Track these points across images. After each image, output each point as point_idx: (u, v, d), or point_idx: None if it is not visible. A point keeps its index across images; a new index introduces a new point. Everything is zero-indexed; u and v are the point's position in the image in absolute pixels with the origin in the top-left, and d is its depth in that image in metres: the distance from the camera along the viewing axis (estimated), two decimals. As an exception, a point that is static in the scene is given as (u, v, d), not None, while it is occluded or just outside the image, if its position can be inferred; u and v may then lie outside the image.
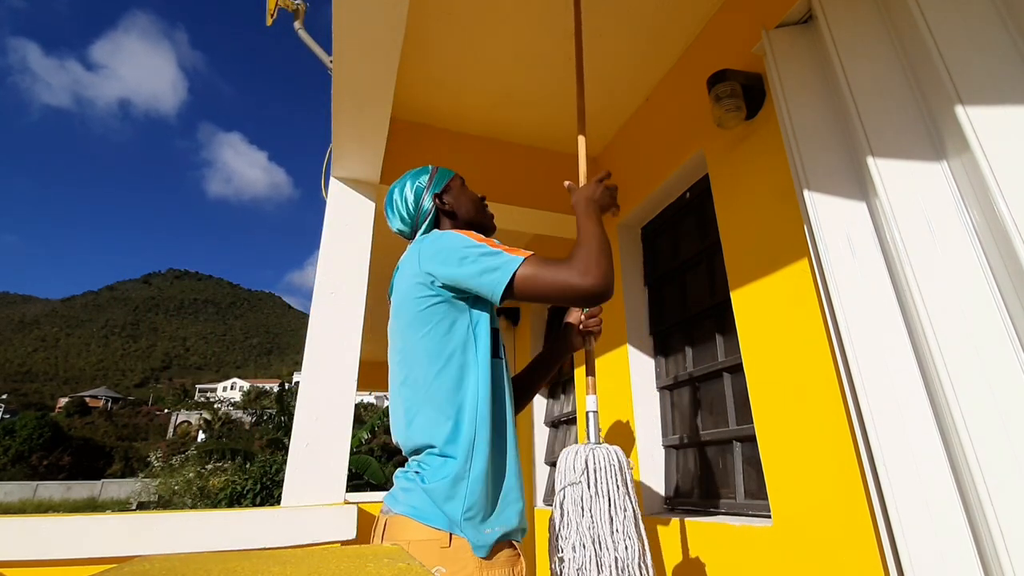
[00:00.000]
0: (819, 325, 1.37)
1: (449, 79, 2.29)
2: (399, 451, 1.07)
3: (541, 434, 3.70)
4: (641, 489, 2.15)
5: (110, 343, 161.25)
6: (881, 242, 1.20)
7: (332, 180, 2.16)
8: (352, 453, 2.14)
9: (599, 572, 0.96)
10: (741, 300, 1.69)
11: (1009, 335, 0.98)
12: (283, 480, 1.75)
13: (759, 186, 1.65)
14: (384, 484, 10.85)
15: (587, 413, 1.17)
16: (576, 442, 1.13)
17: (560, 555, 1.01)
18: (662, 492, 2.16)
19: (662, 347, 2.35)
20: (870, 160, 1.19)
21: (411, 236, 1.22)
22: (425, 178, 1.22)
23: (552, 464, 3.47)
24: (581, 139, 1.37)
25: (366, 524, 1.65)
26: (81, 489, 35.67)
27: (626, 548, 0.98)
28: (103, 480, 38.80)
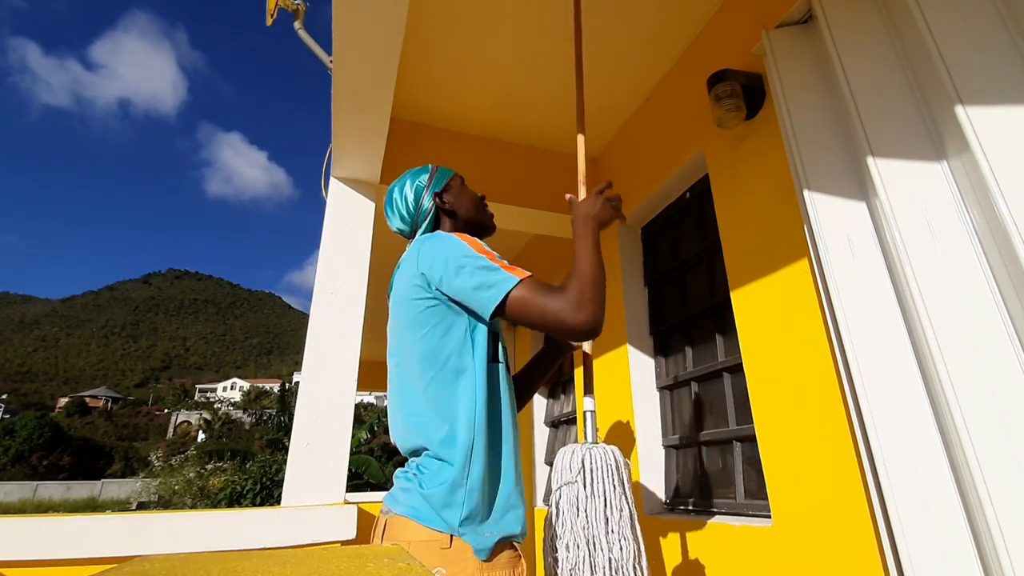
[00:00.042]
0: (819, 325, 1.37)
1: (449, 79, 2.29)
2: (399, 451, 1.07)
3: (541, 434, 3.70)
4: (641, 489, 2.15)
5: (110, 343, 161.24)
6: (881, 242, 1.20)
7: (332, 180, 2.16)
8: (352, 453, 2.14)
9: (592, 573, 0.95)
10: (741, 300, 1.69)
11: (1009, 335, 0.98)
12: (283, 480, 1.75)
13: (759, 186, 1.65)
14: (384, 484, 10.85)
15: (584, 413, 1.17)
16: (576, 442, 1.13)
17: (555, 555, 1.00)
18: (662, 492, 2.16)
19: (662, 347, 2.35)
20: (870, 160, 1.19)
21: (411, 235, 1.22)
22: (425, 177, 1.22)
23: (552, 464, 3.47)
24: (580, 138, 1.37)
25: (366, 524, 1.65)
26: (81, 489, 35.67)
27: (621, 549, 0.97)
28: (103, 480, 38.81)
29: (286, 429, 12.91)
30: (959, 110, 1.04)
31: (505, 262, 1.00)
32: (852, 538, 1.22)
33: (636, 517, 1.03)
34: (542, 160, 2.73)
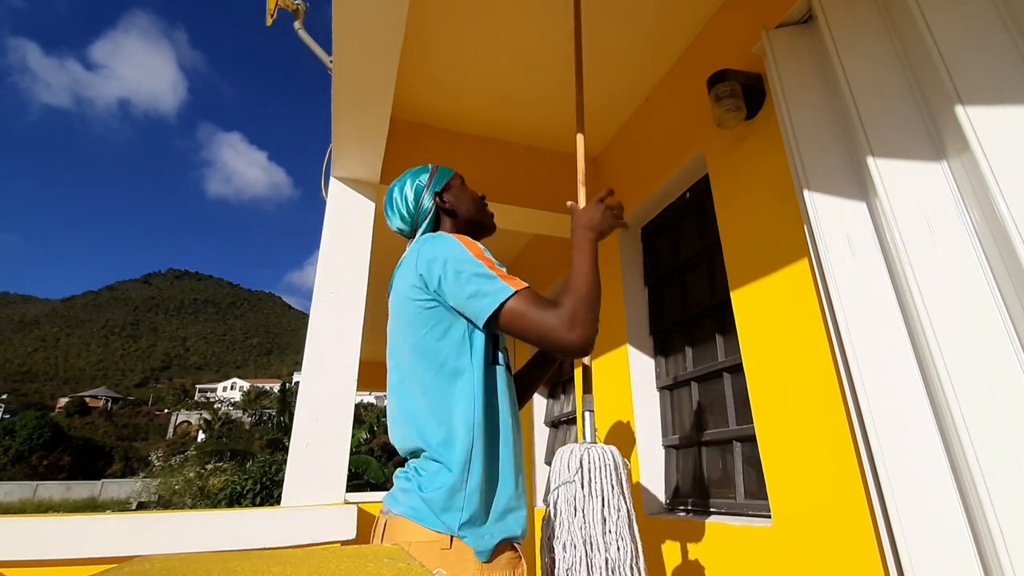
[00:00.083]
0: (819, 325, 1.37)
1: (449, 79, 2.29)
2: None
3: (541, 434, 3.70)
4: (641, 489, 2.15)
5: (110, 343, 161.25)
6: (881, 242, 1.20)
7: (332, 180, 2.16)
8: (352, 453, 2.14)
9: (589, 573, 0.94)
10: (741, 300, 1.69)
11: (1009, 335, 0.98)
12: (283, 480, 1.75)
13: (759, 186, 1.65)
14: (384, 484, 10.85)
15: (583, 413, 1.16)
16: (576, 442, 1.12)
17: (551, 555, 1.00)
18: (662, 492, 2.16)
19: (662, 347, 2.35)
20: (870, 160, 1.19)
21: (411, 235, 1.21)
22: (425, 177, 1.21)
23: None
24: (580, 137, 1.37)
25: (366, 524, 1.65)
26: (81, 489, 35.67)
27: (618, 549, 0.96)
28: (103, 480, 38.81)
29: (286, 429, 12.92)
30: (959, 110, 1.04)
31: (504, 270, 0.99)
32: (852, 538, 1.22)
33: (634, 517, 1.03)
34: (542, 160, 2.73)
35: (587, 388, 1.17)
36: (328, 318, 1.96)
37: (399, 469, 1.04)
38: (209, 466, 14.59)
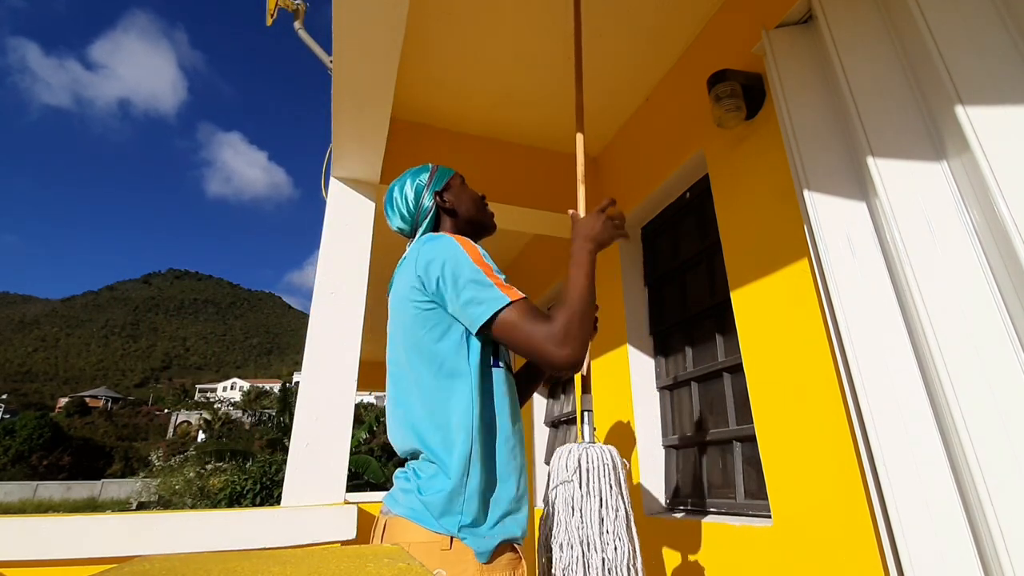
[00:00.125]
0: (819, 325, 1.37)
1: (449, 79, 2.29)
2: None
3: (541, 434, 3.70)
4: (641, 489, 2.15)
5: (110, 343, 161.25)
6: (881, 242, 1.20)
7: (332, 180, 2.16)
8: (351, 453, 2.14)
9: (586, 573, 0.93)
10: (741, 300, 1.69)
11: (1009, 335, 0.98)
12: (283, 480, 1.75)
13: (759, 186, 1.65)
14: (384, 484, 10.85)
15: (582, 412, 1.16)
16: (575, 442, 1.12)
17: (548, 555, 1.00)
18: (662, 492, 2.16)
19: (662, 347, 2.35)
20: (870, 160, 1.19)
21: (411, 234, 1.21)
22: (425, 176, 1.21)
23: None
24: (579, 136, 1.37)
25: (366, 524, 1.65)
26: (81, 489, 35.67)
27: (615, 549, 0.96)
28: (103, 480, 38.80)
29: (286, 429, 12.92)
30: (959, 110, 1.04)
31: (501, 278, 0.98)
32: (852, 538, 1.22)
33: (632, 517, 1.02)
34: (542, 160, 2.73)
35: (586, 388, 1.17)
36: (328, 318, 1.96)
37: (399, 469, 1.03)
38: (209, 466, 14.60)
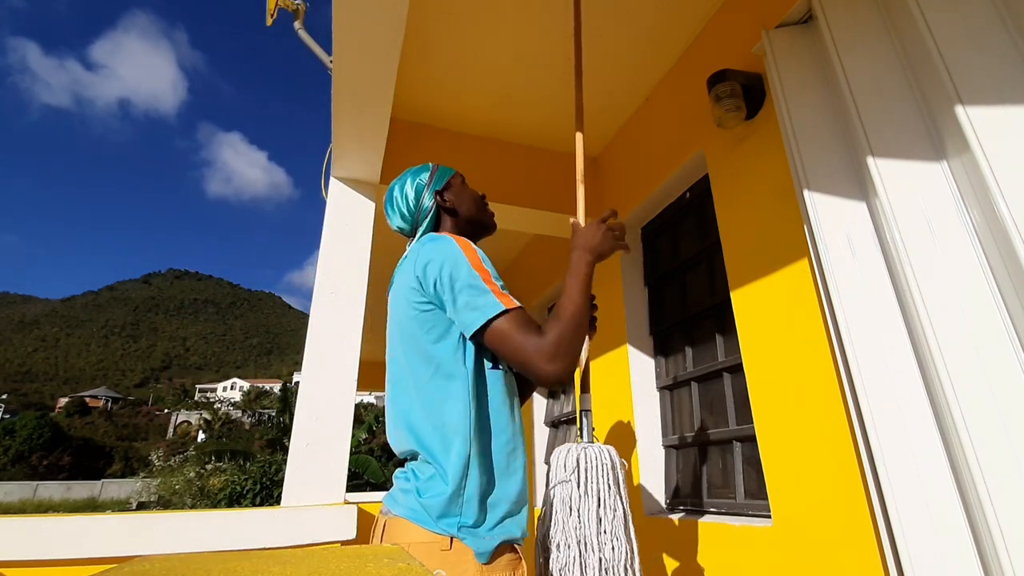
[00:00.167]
0: (819, 325, 1.37)
1: (449, 79, 2.29)
2: None
3: (541, 434, 3.70)
4: (641, 489, 2.15)
5: (110, 343, 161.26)
6: (881, 242, 1.20)
7: (332, 180, 2.16)
8: (351, 453, 2.14)
9: (582, 573, 0.93)
10: (741, 300, 1.69)
11: (1009, 335, 0.98)
12: (283, 480, 1.75)
13: (759, 186, 1.65)
14: (384, 484, 10.85)
15: (581, 412, 1.16)
16: (574, 442, 1.12)
17: (545, 555, 0.99)
18: (662, 492, 2.16)
19: (662, 347, 2.35)
20: (870, 160, 1.19)
21: (411, 234, 1.21)
22: (426, 175, 1.21)
23: (552, 464, 3.47)
24: (579, 136, 1.37)
25: (366, 524, 1.65)
26: (81, 489, 35.67)
27: (613, 549, 0.95)
28: (103, 480, 38.80)
29: (286, 429, 12.92)
30: (959, 110, 1.04)
31: (499, 285, 0.97)
32: (852, 538, 1.22)
33: (630, 518, 1.01)
34: (542, 160, 2.73)
35: (584, 387, 1.17)
36: (328, 318, 1.96)
37: (399, 469, 1.03)
38: (209, 466, 14.60)
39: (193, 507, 13.25)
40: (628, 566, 0.95)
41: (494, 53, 2.17)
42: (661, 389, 2.30)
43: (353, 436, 1.93)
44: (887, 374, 1.11)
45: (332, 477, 1.77)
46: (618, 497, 1.00)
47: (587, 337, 1.24)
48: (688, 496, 2.03)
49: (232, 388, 74.13)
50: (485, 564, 0.89)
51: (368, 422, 13.14)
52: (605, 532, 0.96)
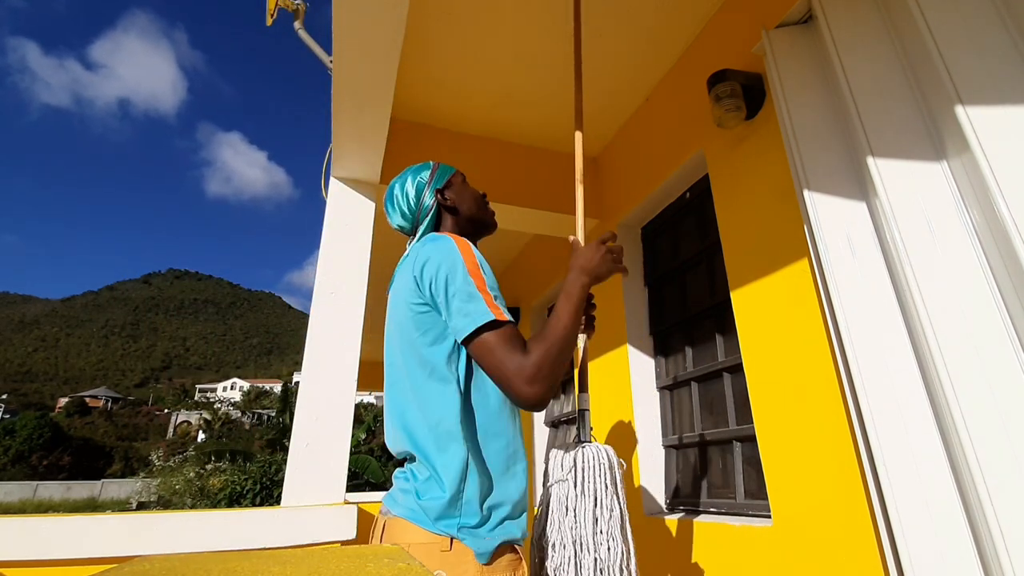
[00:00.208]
0: (819, 325, 1.37)
1: (449, 79, 2.29)
2: None
3: (541, 434, 3.70)
4: (641, 489, 2.15)
5: (110, 343, 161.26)
6: (881, 242, 1.20)
7: (332, 180, 2.16)
8: (351, 453, 2.14)
9: (577, 573, 0.92)
10: (741, 300, 1.69)
11: (1009, 335, 0.98)
12: (283, 480, 1.75)
13: (759, 186, 1.65)
14: (384, 484, 10.85)
15: (579, 411, 1.15)
16: (573, 441, 1.11)
17: (540, 555, 0.99)
18: (662, 492, 2.16)
19: (662, 347, 2.35)
20: (870, 160, 1.19)
21: (412, 232, 1.20)
22: (426, 173, 1.20)
23: (552, 464, 3.47)
24: (578, 135, 1.37)
25: (366, 524, 1.65)
26: (81, 489, 35.67)
27: (609, 550, 0.94)
28: (103, 480, 38.80)
29: (285, 429, 12.92)
30: (959, 110, 1.04)
31: (492, 293, 0.96)
32: (852, 538, 1.22)
33: (627, 518, 1.00)
34: (542, 160, 2.73)
35: (583, 387, 1.17)
36: (328, 318, 1.96)
37: (398, 469, 1.03)
38: (209, 466, 14.60)
39: (193, 507, 13.25)
40: (624, 567, 0.94)
41: (494, 53, 2.17)
42: (661, 389, 2.30)
43: (353, 436, 1.93)
44: (887, 374, 1.11)
45: (332, 477, 1.77)
46: (615, 497, 0.99)
47: (585, 336, 1.24)
48: (688, 496, 2.03)
49: (232, 388, 74.13)
50: (485, 565, 0.89)
51: (368, 422, 13.15)
52: (601, 532, 0.96)
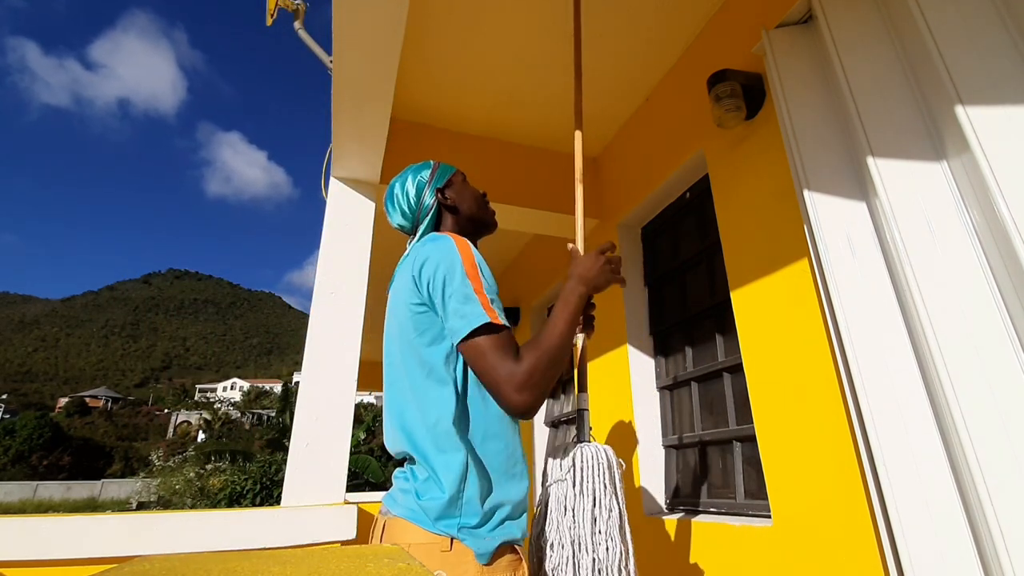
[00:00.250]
0: (819, 325, 1.37)
1: (449, 79, 2.29)
2: None
3: (541, 434, 3.70)
4: (641, 489, 2.15)
5: (110, 343, 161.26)
6: (881, 242, 1.20)
7: (332, 180, 2.16)
8: (351, 453, 2.14)
9: (576, 573, 0.92)
10: (741, 300, 1.69)
11: (1009, 335, 0.98)
12: (283, 480, 1.75)
13: (759, 186, 1.65)
14: (384, 484, 10.85)
15: (578, 411, 1.15)
16: (572, 441, 1.11)
17: (539, 554, 0.99)
18: (662, 492, 2.16)
19: (662, 347, 2.35)
20: (870, 160, 1.19)
21: (412, 231, 1.20)
22: (427, 173, 1.20)
23: (552, 464, 3.47)
24: (578, 135, 1.37)
25: (366, 524, 1.65)
26: (81, 489, 35.67)
27: (607, 550, 0.94)
28: (103, 480, 38.79)
29: (285, 429, 12.92)
30: (959, 110, 1.04)
31: (489, 296, 0.96)
32: (852, 538, 1.22)
33: (626, 518, 1.00)
34: (542, 160, 2.73)
35: (582, 387, 1.16)
36: (328, 318, 1.96)
37: (398, 469, 1.03)
38: (209, 466, 14.60)
39: (193, 507, 13.25)
40: (622, 567, 0.94)
41: (494, 53, 2.17)
42: (661, 389, 2.30)
43: (353, 436, 1.93)
44: (887, 374, 1.11)
45: (332, 477, 1.77)
46: (614, 497, 0.99)
47: (584, 336, 1.23)
48: (688, 496, 2.03)
49: (232, 388, 74.14)
50: (485, 565, 0.89)
51: (368, 422, 13.15)
52: (600, 532, 0.95)
